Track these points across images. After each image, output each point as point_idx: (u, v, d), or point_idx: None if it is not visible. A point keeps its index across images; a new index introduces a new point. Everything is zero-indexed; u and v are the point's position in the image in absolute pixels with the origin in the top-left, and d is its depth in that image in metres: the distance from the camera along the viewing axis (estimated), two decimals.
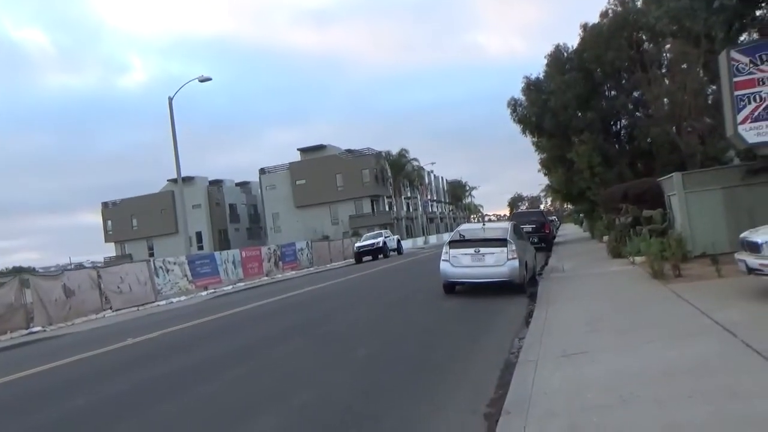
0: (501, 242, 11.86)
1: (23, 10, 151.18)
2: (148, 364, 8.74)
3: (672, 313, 7.29)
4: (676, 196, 13.28)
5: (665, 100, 20.52)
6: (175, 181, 38.31)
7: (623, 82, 23.18)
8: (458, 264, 12.06)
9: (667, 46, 20.93)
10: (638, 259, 12.91)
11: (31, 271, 38.34)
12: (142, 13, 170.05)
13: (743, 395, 4.04)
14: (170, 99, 28.44)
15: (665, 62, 21.90)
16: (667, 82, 21.09)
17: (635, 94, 23.04)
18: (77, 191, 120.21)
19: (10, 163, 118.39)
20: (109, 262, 55.55)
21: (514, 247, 11.72)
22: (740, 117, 10.12)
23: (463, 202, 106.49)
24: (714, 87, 18.53)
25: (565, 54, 24.06)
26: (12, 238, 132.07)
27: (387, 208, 69.19)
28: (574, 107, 22.81)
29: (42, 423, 5.98)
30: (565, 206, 71.57)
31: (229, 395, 6.26)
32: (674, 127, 19.98)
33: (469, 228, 14.54)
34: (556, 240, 32.28)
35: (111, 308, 19.69)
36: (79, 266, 50.44)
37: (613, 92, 23.87)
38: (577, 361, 5.66)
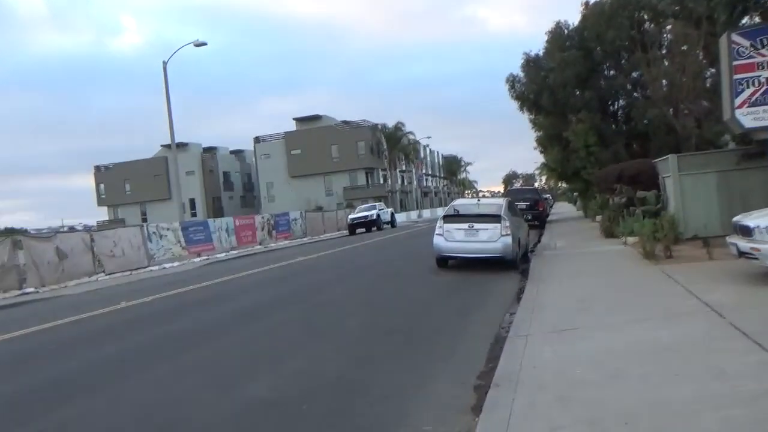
0: (495, 218, 11.92)
1: None
2: (141, 327, 8.81)
3: (661, 294, 7.40)
4: (670, 178, 13.33)
5: (664, 81, 20.41)
6: (168, 146, 37.98)
7: (623, 61, 23.00)
8: (452, 239, 12.13)
9: (668, 26, 20.71)
10: (630, 239, 13.02)
11: (23, 232, 38.22)
12: None
13: (729, 375, 4.14)
14: (164, 63, 28.01)
15: (665, 43, 21.70)
16: (666, 63, 20.95)
17: (634, 74, 22.89)
18: (70, 153, 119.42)
19: (2, 122, 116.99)
20: (102, 226, 55.36)
21: (507, 224, 11.78)
22: (738, 101, 10.11)
23: (458, 177, 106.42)
24: (713, 70, 18.43)
25: (566, 31, 23.80)
26: (5, 199, 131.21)
27: (381, 181, 69.07)
28: (572, 85, 22.65)
29: (32, 385, 6.04)
30: (560, 185, 71.71)
31: (222, 361, 6.34)
32: (671, 109, 19.93)
33: (464, 203, 14.60)
34: (550, 218, 32.42)
35: (104, 272, 19.71)
36: (72, 229, 50.31)
37: (612, 72, 23.72)
38: (567, 337, 5.77)
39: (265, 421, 4.44)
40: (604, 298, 7.69)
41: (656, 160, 15.44)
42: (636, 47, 20.99)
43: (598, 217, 19.73)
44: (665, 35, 21.60)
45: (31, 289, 16.61)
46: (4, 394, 5.68)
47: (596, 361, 4.87)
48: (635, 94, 23.37)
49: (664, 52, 21.67)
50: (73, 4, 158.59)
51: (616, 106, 24.88)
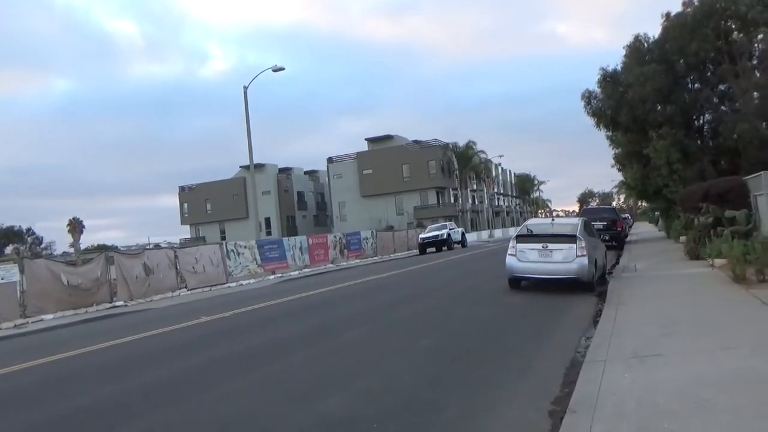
0: (570, 238, 11.59)
1: (116, 1, 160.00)
2: (220, 341, 9.17)
3: (754, 320, 6.92)
4: (764, 196, 12.51)
5: (755, 93, 19.29)
6: (247, 168, 39.64)
7: (708, 74, 21.94)
8: (525, 259, 11.89)
9: (760, 36, 19.62)
10: (718, 261, 12.26)
11: (113, 248, 40.87)
12: (222, 4, 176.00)
13: None
14: (245, 88, 29.36)
15: (756, 53, 20.55)
16: (757, 74, 19.81)
17: (721, 87, 21.77)
18: (157, 175, 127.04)
19: (99, 147, 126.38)
20: (185, 244, 58.18)
21: (583, 244, 11.42)
22: None
23: (531, 196, 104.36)
24: None
25: (646, 45, 23.01)
26: (98, 218, 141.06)
27: (452, 200, 68.76)
28: (653, 100, 21.79)
29: (120, 391, 6.41)
30: (639, 204, 68.72)
31: (296, 376, 6.49)
32: (764, 123, 18.76)
33: (538, 223, 14.29)
34: (629, 239, 31.12)
35: (186, 287, 20.71)
36: (157, 246, 53.26)
37: (696, 85, 22.65)
38: (649, 363, 5.49)
39: None
40: (689, 323, 7.28)
41: (747, 177, 14.54)
42: (723, 58, 20.02)
43: (682, 238, 18.71)
44: (756, 45, 20.45)
45: (121, 303, 17.70)
46: (92, 401, 6.07)
47: (681, 390, 4.60)
48: (723, 107, 22.17)
49: (754, 62, 20.51)
50: (166, 35, 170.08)
51: (701, 121, 23.69)
